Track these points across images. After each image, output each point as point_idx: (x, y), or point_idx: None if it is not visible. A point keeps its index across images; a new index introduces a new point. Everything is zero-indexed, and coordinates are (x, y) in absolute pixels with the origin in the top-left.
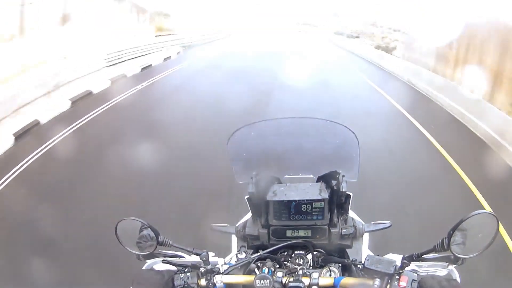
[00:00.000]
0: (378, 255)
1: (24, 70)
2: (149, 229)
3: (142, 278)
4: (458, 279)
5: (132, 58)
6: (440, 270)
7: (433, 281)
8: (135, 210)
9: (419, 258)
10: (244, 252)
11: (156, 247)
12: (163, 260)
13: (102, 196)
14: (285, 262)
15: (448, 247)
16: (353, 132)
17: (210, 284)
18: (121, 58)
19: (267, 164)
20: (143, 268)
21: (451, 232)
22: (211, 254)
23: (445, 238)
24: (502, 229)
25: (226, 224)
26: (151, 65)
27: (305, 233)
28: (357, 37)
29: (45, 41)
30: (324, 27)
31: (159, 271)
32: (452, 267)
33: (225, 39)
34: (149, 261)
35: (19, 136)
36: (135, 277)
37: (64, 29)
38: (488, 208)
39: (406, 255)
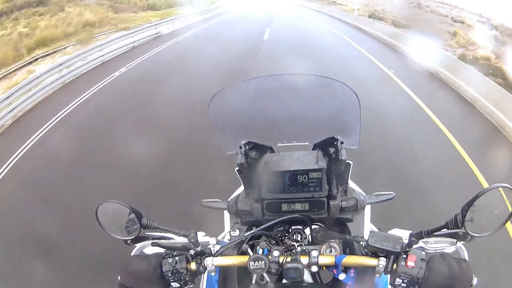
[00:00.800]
0: (380, 229)
1: None
2: (132, 212)
3: (129, 265)
4: (466, 256)
5: None
6: (448, 247)
7: (443, 262)
8: None
9: (429, 235)
10: (238, 229)
11: (140, 231)
12: (152, 243)
13: None
14: (282, 238)
15: (462, 225)
16: (354, 92)
17: (201, 267)
18: None
19: (257, 131)
20: (132, 253)
21: (466, 208)
22: (201, 233)
23: (459, 214)
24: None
25: (218, 200)
26: None
27: (302, 207)
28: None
29: None
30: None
31: (146, 256)
32: (460, 244)
33: None
34: (138, 245)
35: None
36: (123, 265)
37: None
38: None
39: (414, 232)
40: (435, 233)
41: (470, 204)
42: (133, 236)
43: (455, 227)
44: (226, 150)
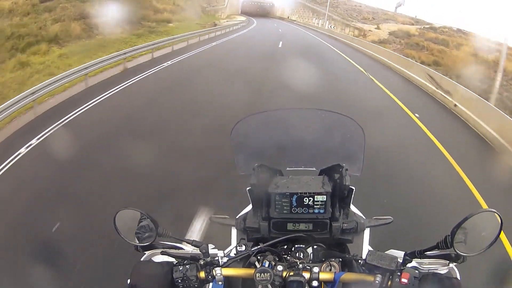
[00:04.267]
0: (379, 251)
1: None
2: (148, 220)
3: (140, 270)
4: (458, 277)
5: None
6: (441, 267)
7: (434, 278)
8: None
9: (421, 255)
10: (244, 244)
11: (155, 238)
12: (162, 251)
13: None
14: (285, 256)
15: (451, 245)
16: (360, 125)
17: (210, 276)
18: None
19: (269, 156)
20: (142, 259)
21: (455, 230)
22: (210, 246)
23: (448, 236)
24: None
25: (226, 216)
26: None
27: (306, 227)
28: None
29: None
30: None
31: (158, 262)
32: (452, 265)
33: None
34: (147, 253)
35: None
36: (134, 269)
37: None
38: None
39: (408, 252)
40: (427, 253)
41: (458, 226)
42: (147, 243)
43: (445, 246)
44: (240, 171)
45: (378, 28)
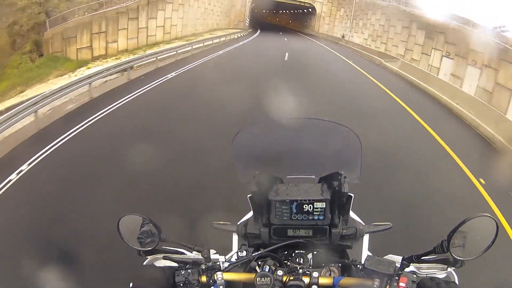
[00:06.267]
0: (377, 256)
1: None
2: (151, 225)
3: (143, 274)
4: (456, 281)
5: None
6: (439, 272)
7: (432, 283)
8: None
9: (418, 259)
10: (245, 250)
11: (158, 243)
12: (164, 256)
13: None
14: (285, 261)
15: (447, 249)
16: (356, 134)
17: (211, 280)
18: None
19: (269, 163)
20: (144, 264)
21: (451, 234)
22: (212, 251)
23: (445, 240)
24: None
25: (228, 222)
26: None
27: (306, 233)
28: None
29: None
30: None
31: (160, 267)
32: (451, 269)
33: None
34: (149, 257)
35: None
36: (136, 273)
37: None
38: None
39: (406, 257)
40: (425, 258)
41: (454, 230)
42: (150, 248)
43: (442, 251)
44: (241, 179)
45: None
